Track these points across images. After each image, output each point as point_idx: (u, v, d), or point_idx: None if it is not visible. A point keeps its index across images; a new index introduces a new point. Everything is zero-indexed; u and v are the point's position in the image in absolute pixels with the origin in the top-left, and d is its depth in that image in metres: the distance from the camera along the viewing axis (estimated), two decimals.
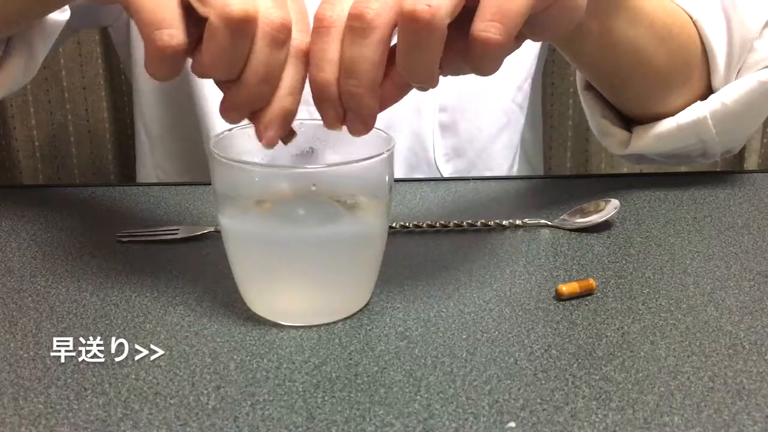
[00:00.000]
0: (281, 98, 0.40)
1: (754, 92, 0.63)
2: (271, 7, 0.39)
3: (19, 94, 1.21)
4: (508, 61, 0.41)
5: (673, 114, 0.65)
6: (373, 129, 0.44)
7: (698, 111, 0.64)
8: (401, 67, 0.39)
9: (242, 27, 0.38)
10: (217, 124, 0.75)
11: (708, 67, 0.65)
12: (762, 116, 0.68)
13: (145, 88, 0.80)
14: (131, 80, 0.83)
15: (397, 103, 0.42)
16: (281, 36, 0.39)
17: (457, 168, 0.80)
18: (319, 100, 0.40)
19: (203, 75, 0.40)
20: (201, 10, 0.38)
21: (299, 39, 0.40)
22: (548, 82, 1.18)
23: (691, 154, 0.68)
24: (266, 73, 0.39)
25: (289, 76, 0.40)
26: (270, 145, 0.42)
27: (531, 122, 0.88)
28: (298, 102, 0.41)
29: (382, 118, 0.41)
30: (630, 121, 0.68)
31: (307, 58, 0.40)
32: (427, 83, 0.40)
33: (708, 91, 0.66)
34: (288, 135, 0.43)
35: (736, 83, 0.64)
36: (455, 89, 0.77)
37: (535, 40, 0.44)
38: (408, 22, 0.37)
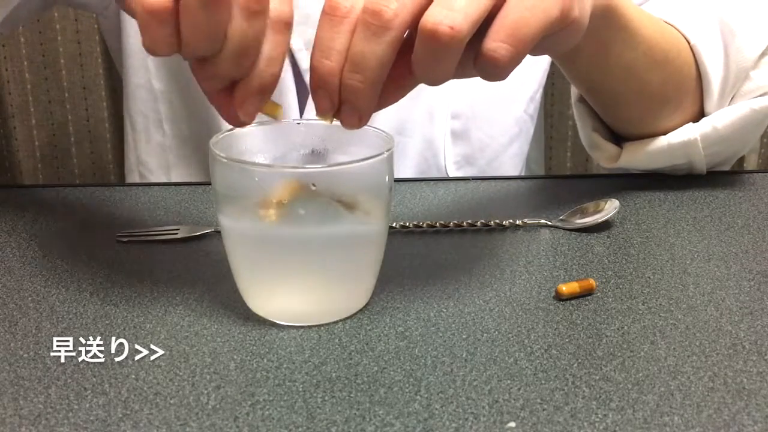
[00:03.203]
0: (260, 71, 0.40)
1: (745, 119, 0.64)
2: None
3: (19, 94, 1.21)
4: (523, 72, 0.41)
5: (664, 134, 0.65)
6: (374, 129, 0.44)
7: (689, 133, 0.64)
8: (416, 70, 0.39)
9: (213, 0, 0.37)
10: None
11: (702, 91, 0.65)
12: (751, 142, 0.69)
13: (134, 80, 0.79)
14: (120, 72, 0.83)
15: (410, 109, 0.41)
16: (256, 7, 0.38)
17: (467, 175, 0.80)
18: (317, 87, 0.40)
19: (187, 54, 0.39)
20: None
21: (278, 10, 0.39)
22: (548, 82, 1.18)
23: (678, 172, 0.69)
24: (243, 46, 0.38)
25: (267, 48, 0.39)
26: (248, 118, 0.41)
27: (535, 131, 0.88)
28: (277, 74, 0.40)
29: (394, 123, 0.41)
30: (620, 136, 0.68)
31: (286, 30, 0.40)
32: (438, 85, 0.40)
33: (700, 113, 0.66)
34: (272, 109, 0.42)
35: (729, 109, 0.64)
36: (469, 97, 0.76)
37: (532, 54, 0.44)
38: (428, 39, 0.37)
